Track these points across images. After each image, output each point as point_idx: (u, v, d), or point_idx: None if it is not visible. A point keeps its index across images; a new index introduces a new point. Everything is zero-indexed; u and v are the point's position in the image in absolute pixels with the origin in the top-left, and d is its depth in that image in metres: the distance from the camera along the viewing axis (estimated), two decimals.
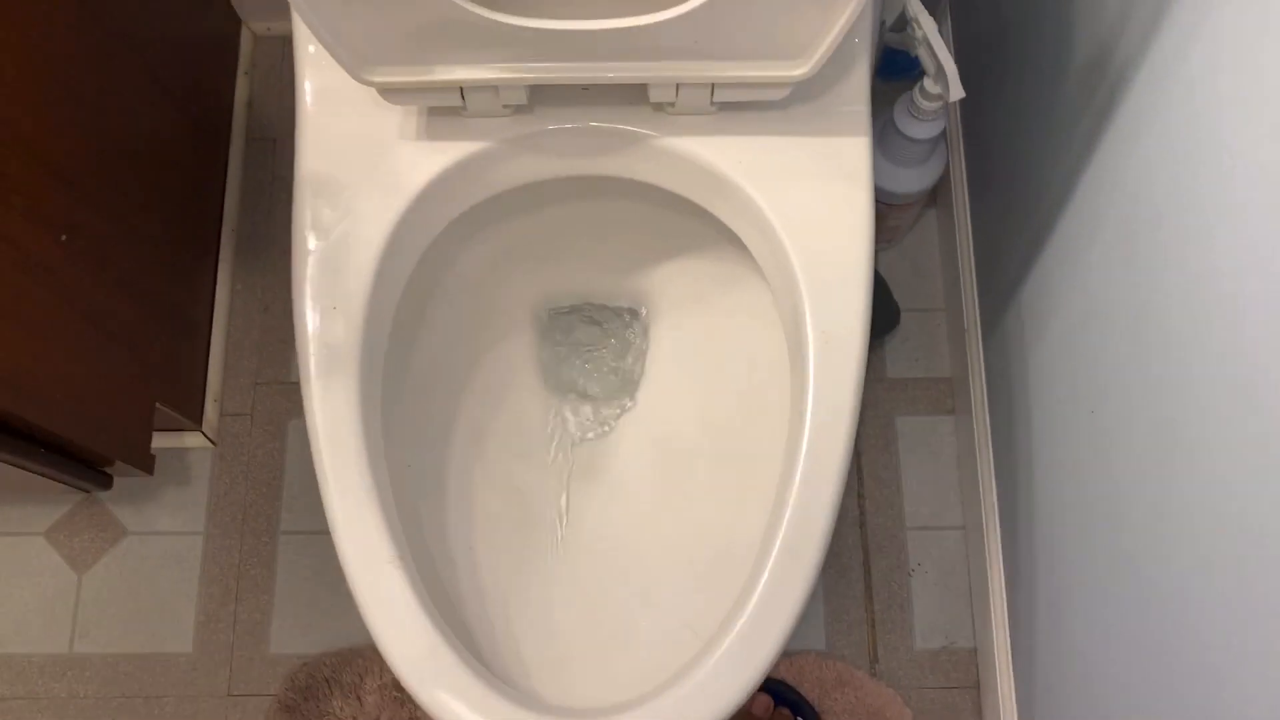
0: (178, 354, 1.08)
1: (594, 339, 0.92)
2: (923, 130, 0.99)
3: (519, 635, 0.80)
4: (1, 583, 1.11)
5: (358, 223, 0.74)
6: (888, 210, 1.10)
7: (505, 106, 0.74)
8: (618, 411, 0.91)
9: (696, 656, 0.67)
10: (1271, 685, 0.61)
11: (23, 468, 0.84)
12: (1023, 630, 1.00)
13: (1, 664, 1.09)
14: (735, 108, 0.76)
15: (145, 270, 1.00)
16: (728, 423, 0.88)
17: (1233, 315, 0.61)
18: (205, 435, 1.13)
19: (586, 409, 0.91)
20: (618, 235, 0.92)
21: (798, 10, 0.65)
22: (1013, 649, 1.02)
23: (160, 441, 1.10)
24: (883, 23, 0.97)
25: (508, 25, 0.65)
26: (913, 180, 1.05)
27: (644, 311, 0.93)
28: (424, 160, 0.76)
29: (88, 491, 0.96)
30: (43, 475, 0.87)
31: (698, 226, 0.89)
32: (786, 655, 1.08)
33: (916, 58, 0.98)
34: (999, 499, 1.05)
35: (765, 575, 0.67)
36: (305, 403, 0.72)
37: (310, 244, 0.74)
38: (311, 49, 0.77)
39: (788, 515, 0.68)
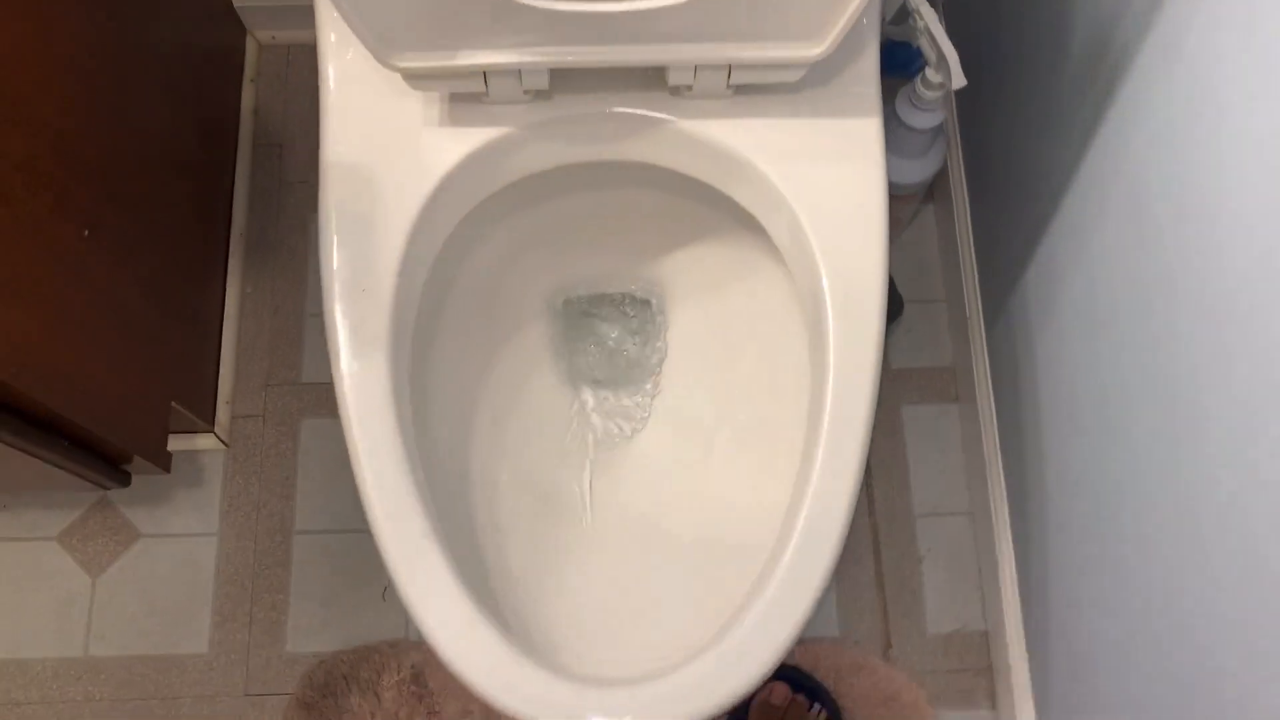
0: (191, 354, 1.09)
1: (610, 327, 0.94)
2: (924, 120, 1.01)
3: (546, 612, 0.81)
4: (15, 588, 1.11)
5: (384, 207, 0.76)
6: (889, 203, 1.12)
7: (526, 92, 0.76)
8: (641, 411, 0.92)
9: (726, 625, 0.68)
10: None
11: (46, 460, 0.85)
12: (1035, 611, 1.01)
13: (16, 669, 1.08)
14: (750, 91, 0.78)
15: (161, 270, 1.01)
16: (746, 404, 0.89)
17: (1243, 288, 0.63)
18: (218, 437, 1.13)
19: (607, 402, 0.92)
20: (632, 224, 0.94)
21: None
22: (1025, 630, 1.03)
23: (173, 444, 1.10)
24: (882, 18, 0.99)
25: (532, 8, 0.67)
26: (914, 171, 1.07)
27: (660, 299, 0.95)
28: (448, 146, 0.77)
29: (106, 489, 0.96)
30: (64, 469, 0.88)
31: (711, 213, 0.91)
32: (801, 642, 1.08)
33: (914, 52, 1.01)
34: (1007, 482, 1.06)
35: (794, 538, 0.68)
36: (336, 383, 0.73)
37: (337, 228, 0.75)
38: (333, 38, 0.79)
39: (813, 481, 0.69)
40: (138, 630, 1.10)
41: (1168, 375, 0.73)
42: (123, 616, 1.10)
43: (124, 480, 0.98)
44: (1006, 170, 1.03)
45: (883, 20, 0.99)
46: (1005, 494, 1.06)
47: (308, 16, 1.23)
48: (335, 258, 0.75)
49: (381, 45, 0.71)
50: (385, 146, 0.77)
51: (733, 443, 0.89)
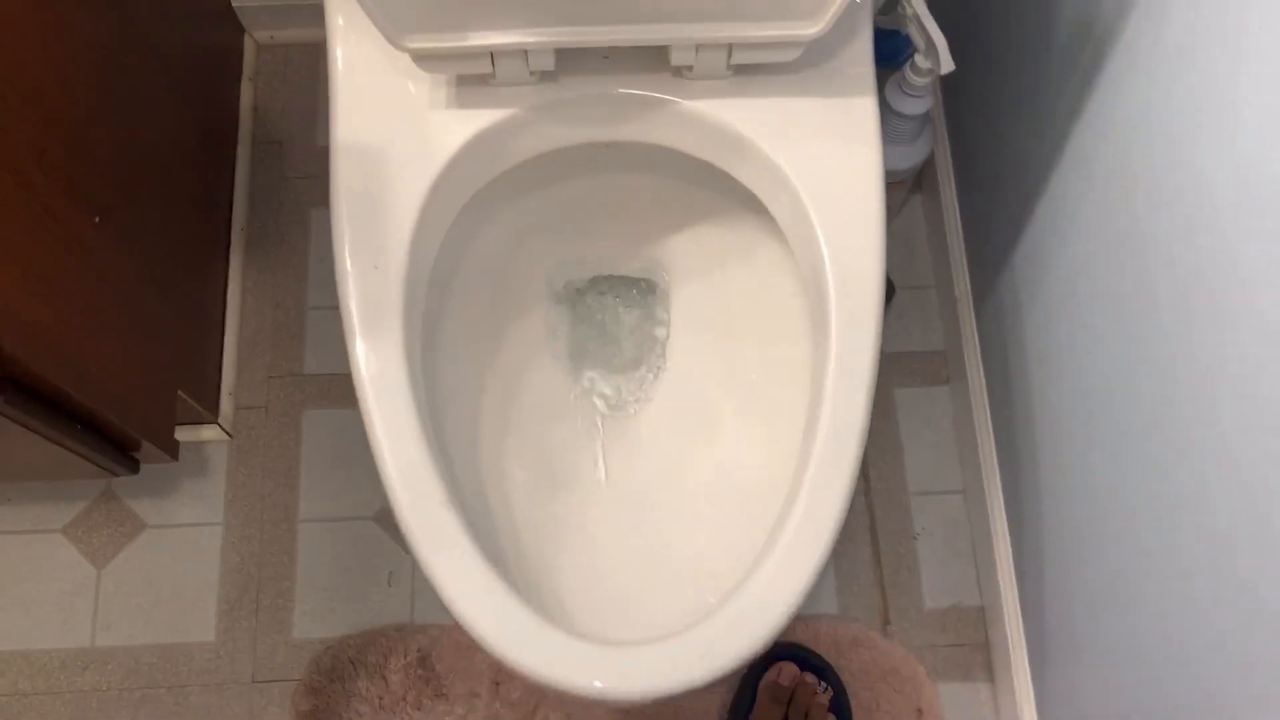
0: (195, 345, 1.10)
1: (615, 308, 0.96)
2: (914, 106, 1.04)
3: (557, 583, 0.82)
4: (20, 580, 1.11)
5: (394, 187, 0.77)
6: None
7: (533, 73, 0.78)
8: (647, 388, 0.94)
9: (738, 584, 0.70)
10: (1276, 615, 0.64)
11: (60, 443, 0.86)
12: (1030, 584, 1.03)
13: (22, 660, 1.09)
14: (749, 72, 0.80)
15: (167, 261, 1.02)
16: (750, 377, 0.91)
17: (1227, 261, 0.65)
18: (221, 428, 1.15)
19: (613, 381, 0.94)
20: (635, 208, 0.96)
21: None
22: (1021, 603, 1.05)
23: (178, 435, 1.11)
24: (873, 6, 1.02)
25: None
26: (904, 157, 1.10)
27: (663, 280, 0.97)
28: (455, 126, 0.79)
29: (116, 475, 0.97)
30: (77, 454, 0.89)
31: (711, 196, 0.94)
32: (801, 618, 1.11)
33: (902, 42, 1.04)
34: (999, 459, 1.09)
35: (802, 499, 0.70)
36: (351, 358, 0.74)
37: (348, 208, 0.77)
38: (341, 21, 0.81)
39: (819, 442, 0.71)
40: (144, 620, 1.10)
41: (1154, 349, 0.75)
42: (129, 607, 1.11)
43: (133, 467, 0.99)
44: (992, 154, 1.06)
45: (873, 9, 1.02)
46: (998, 471, 1.09)
47: (305, 16, 1.28)
48: (347, 235, 0.77)
49: (392, 26, 0.73)
50: (394, 128, 0.79)
51: (737, 415, 0.91)
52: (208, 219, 1.16)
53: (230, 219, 1.22)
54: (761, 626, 0.69)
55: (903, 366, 1.21)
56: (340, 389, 1.19)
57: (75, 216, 0.84)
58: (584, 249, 0.97)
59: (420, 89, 0.80)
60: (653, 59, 0.80)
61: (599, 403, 0.93)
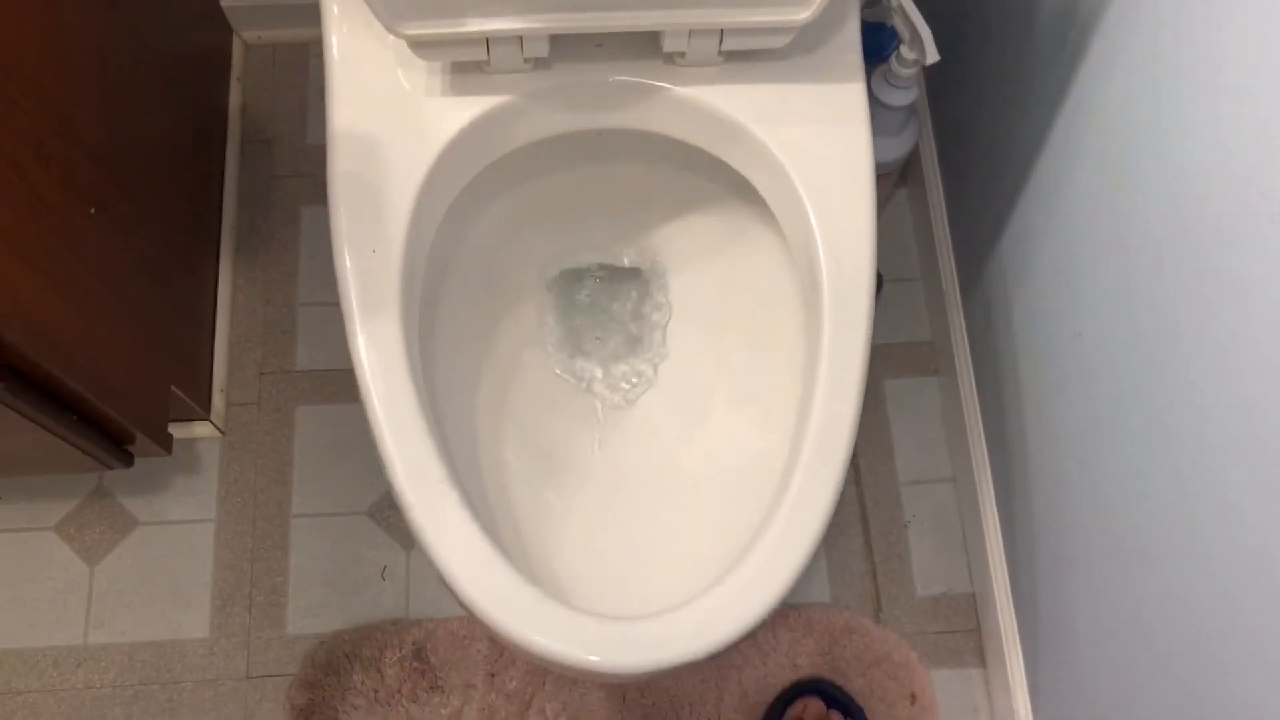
0: (188, 340, 1.11)
1: (608, 298, 0.97)
2: (899, 98, 1.06)
3: (553, 566, 0.83)
4: (13, 578, 1.11)
5: (391, 172, 0.78)
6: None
7: (527, 60, 0.79)
8: (642, 374, 0.95)
9: (740, 555, 0.70)
10: (1258, 596, 0.66)
11: (57, 434, 0.86)
12: (1021, 571, 1.04)
13: (15, 658, 1.08)
14: (740, 59, 0.81)
15: (159, 256, 1.02)
16: (743, 362, 0.92)
17: (1213, 220, 0.66)
18: (213, 424, 1.15)
19: (607, 368, 0.95)
20: (628, 196, 0.97)
21: None
22: (1012, 590, 1.06)
23: (169, 431, 1.11)
24: None
25: None
26: (890, 148, 1.12)
27: (657, 267, 0.98)
28: (451, 114, 0.80)
29: (110, 468, 0.97)
30: (73, 445, 0.89)
31: (703, 183, 0.95)
32: (795, 607, 1.12)
33: (887, 36, 1.05)
34: (988, 447, 1.10)
35: (800, 466, 0.71)
36: (350, 340, 0.75)
37: (345, 193, 0.78)
38: (336, 10, 0.81)
39: (814, 417, 0.72)
40: (137, 617, 1.10)
41: (1140, 334, 0.77)
42: (122, 603, 1.11)
43: (128, 460, 0.99)
44: (977, 143, 1.08)
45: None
46: (987, 459, 1.10)
47: (293, 16, 1.29)
48: (344, 220, 0.77)
49: (389, 13, 0.74)
50: (390, 115, 0.80)
51: (731, 400, 0.92)
52: (198, 216, 1.17)
53: (220, 216, 1.22)
54: (756, 604, 0.70)
55: (891, 358, 1.23)
56: (333, 385, 1.19)
57: (71, 207, 0.84)
58: (577, 237, 0.98)
59: (416, 77, 0.81)
60: (645, 46, 0.81)
61: (593, 390, 0.94)
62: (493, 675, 1.07)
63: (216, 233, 1.21)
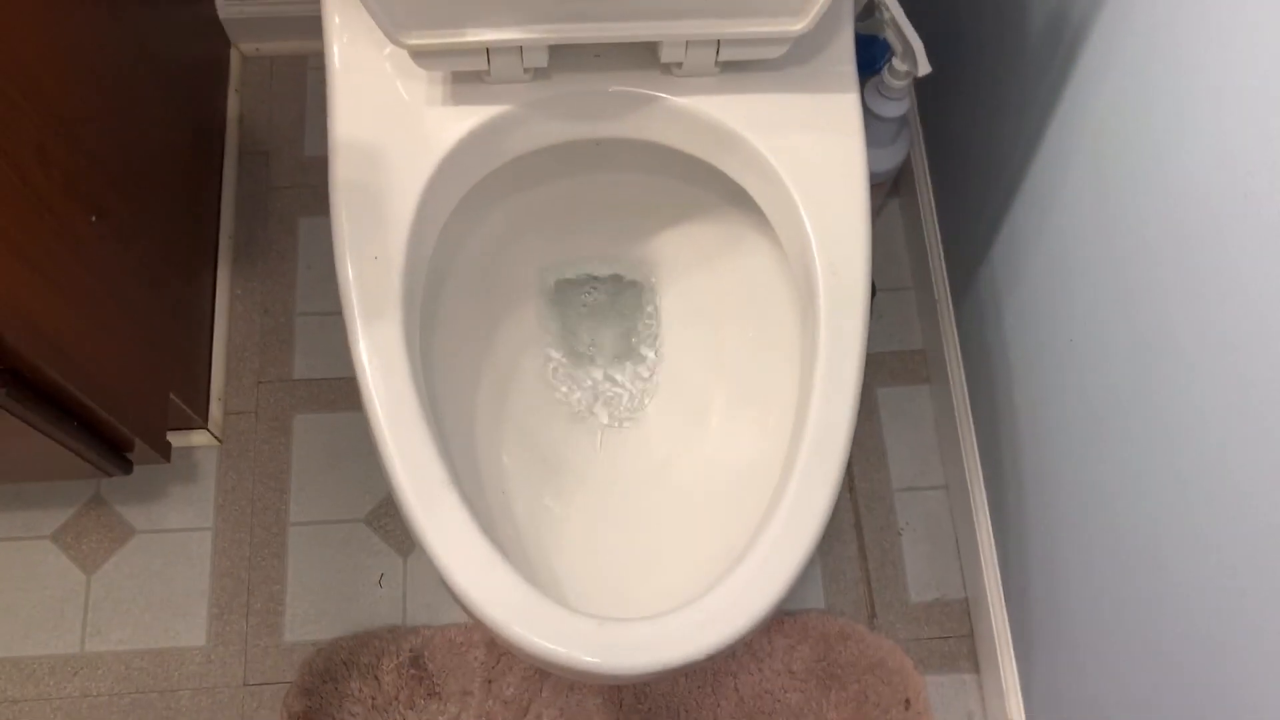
0: (186, 349, 1.11)
1: (605, 305, 0.98)
2: (892, 109, 1.07)
3: (552, 570, 0.84)
4: (9, 586, 1.11)
5: (392, 179, 0.79)
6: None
7: (527, 70, 0.80)
8: (639, 380, 0.96)
9: (739, 556, 0.71)
10: (1255, 599, 0.67)
11: (57, 439, 0.86)
12: (1014, 576, 1.05)
13: (12, 667, 1.08)
14: (736, 69, 0.83)
15: (159, 264, 1.03)
16: (739, 368, 0.93)
17: (1204, 226, 0.67)
18: (211, 433, 1.15)
19: (605, 374, 0.96)
20: (625, 205, 0.98)
21: None
22: (1005, 595, 1.07)
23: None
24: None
25: None
26: (883, 159, 1.13)
27: (654, 275, 0.99)
28: (451, 123, 0.81)
29: (109, 475, 0.97)
30: (73, 451, 0.89)
31: (700, 192, 0.96)
32: (790, 613, 1.12)
33: (879, 49, 1.07)
34: (981, 454, 1.11)
35: (798, 468, 0.72)
36: (351, 344, 0.75)
37: (347, 201, 0.79)
38: (338, 20, 0.82)
39: (811, 420, 0.73)
40: (134, 625, 1.10)
41: (1132, 340, 0.78)
42: (118, 612, 1.11)
43: (126, 468, 0.99)
44: (968, 155, 1.09)
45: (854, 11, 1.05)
46: (980, 466, 1.11)
47: (290, 28, 1.30)
48: (346, 227, 0.78)
49: (392, 23, 0.75)
50: (391, 124, 0.81)
51: (728, 405, 0.93)
52: (197, 225, 1.18)
53: (218, 226, 1.23)
54: (753, 606, 0.70)
55: (884, 366, 1.24)
56: (330, 394, 1.19)
57: (73, 213, 0.85)
58: (575, 245, 0.99)
59: (417, 86, 0.82)
60: (643, 57, 0.82)
61: (592, 394, 0.95)
62: (490, 682, 1.07)
63: (214, 242, 1.22)
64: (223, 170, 1.26)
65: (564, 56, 0.81)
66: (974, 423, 1.12)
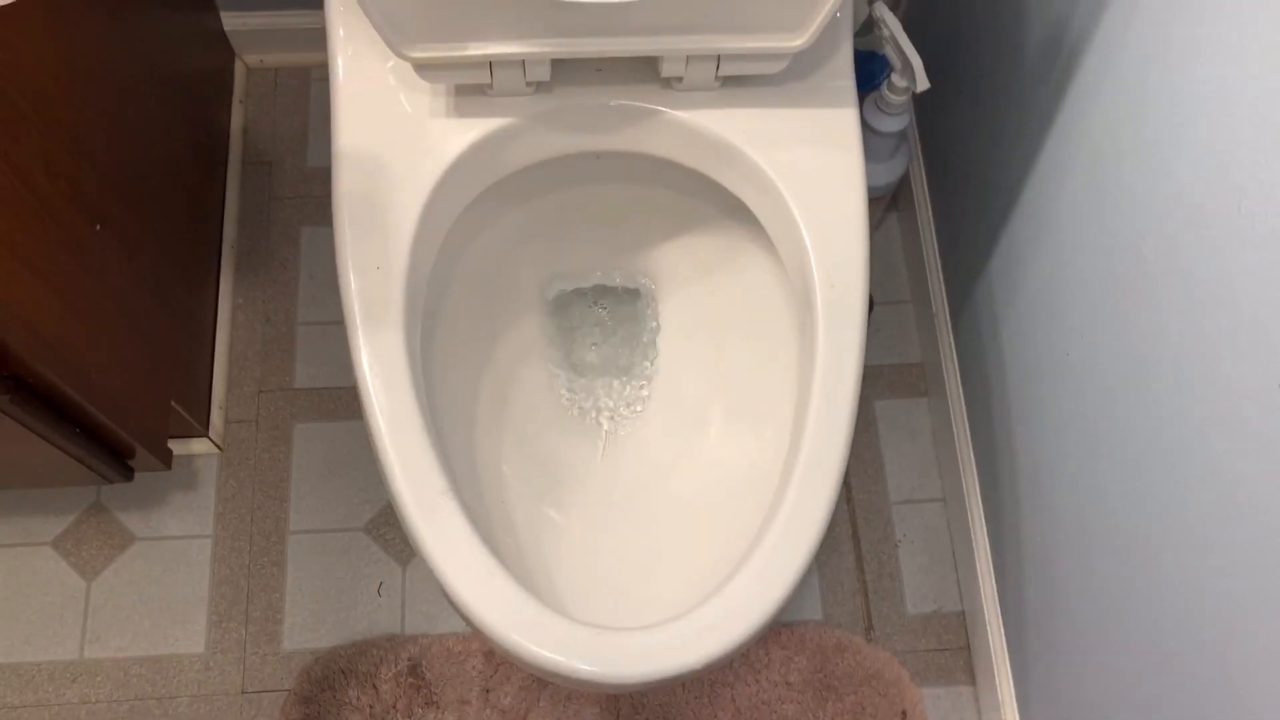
0: (188, 357, 1.12)
1: (606, 316, 0.98)
2: (890, 124, 1.08)
3: (551, 580, 0.84)
4: (9, 593, 1.11)
5: (395, 190, 0.80)
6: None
7: (529, 84, 0.81)
8: (638, 391, 0.97)
9: (734, 568, 0.72)
10: (1255, 612, 0.67)
11: (59, 446, 0.87)
12: (1010, 589, 1.06)
13: (11, 672, 1.09)
14: (736, 84, 0.84)
15: (162, 273, 1.04)
16: (737, 379, 0.94)
17: (1199, 241, 0.68)
18: (212, 441, 1.16)
19: (605, 385, 0.96)
20: (625, 217, 0.99)
21: None
22: (1001, 608, 1.08)
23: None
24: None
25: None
26: (881, 174, 1.14)
27: (652, 287, 1.00)
28: (454, 135, 0.82)
29: (110, 481, 0.98)
30: (74, 457, 0.90)
31: (699, 205, 0.97)
32: (787, 625, 1.13)
33: (878, 65, 1.08)
34: (978, 467, 1.12)
35: (794, 481, 0.72)
36: (353, 353, 0.76)
37: (350, 211, 0.79)
38: (342, 32, 0.83)
39: (809, 431, 0.74)
40: (133, 632, 1.11)
41: (1129, 354, 0.78)
42: (118, 618, 1.11)
43: (127, 474, 1.00)
44: (967, 170, 1.10)
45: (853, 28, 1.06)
46: (977, 479, 1.12)
47: (295, 40, 1.31)
48: (349, 237, 0.79)
49: (396, 36, 0.76)
50: (394, 135, 0.82)
51: (727, 416, 0.93)
52: (200, 235, 1.18)
53: (221, 235, 1.24)
54: (751, 616, 0.71)
55: (882, 379, 1.25)
56: (331, 403, 1.20)
57: (77, 222, 0.86)
58: (576, 257, 1.00)
59: (420, 98, 0.83)
60: (644, 71, 0.83)
61: (591, 404, 0.96)
62: (487, 691, 1.08)
63: (217, 251, 1.23)
64: (226, 180, 1.27)
65: (566, 70, 0.82)
66: (971, 436, 1.13)
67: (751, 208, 0.86)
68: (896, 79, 1.03)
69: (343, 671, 1.08)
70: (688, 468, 0.92)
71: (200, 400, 1.15)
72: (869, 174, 1.12)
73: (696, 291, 0.99)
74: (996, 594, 1.08)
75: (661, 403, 0.96)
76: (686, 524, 0.88)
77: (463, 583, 0.70)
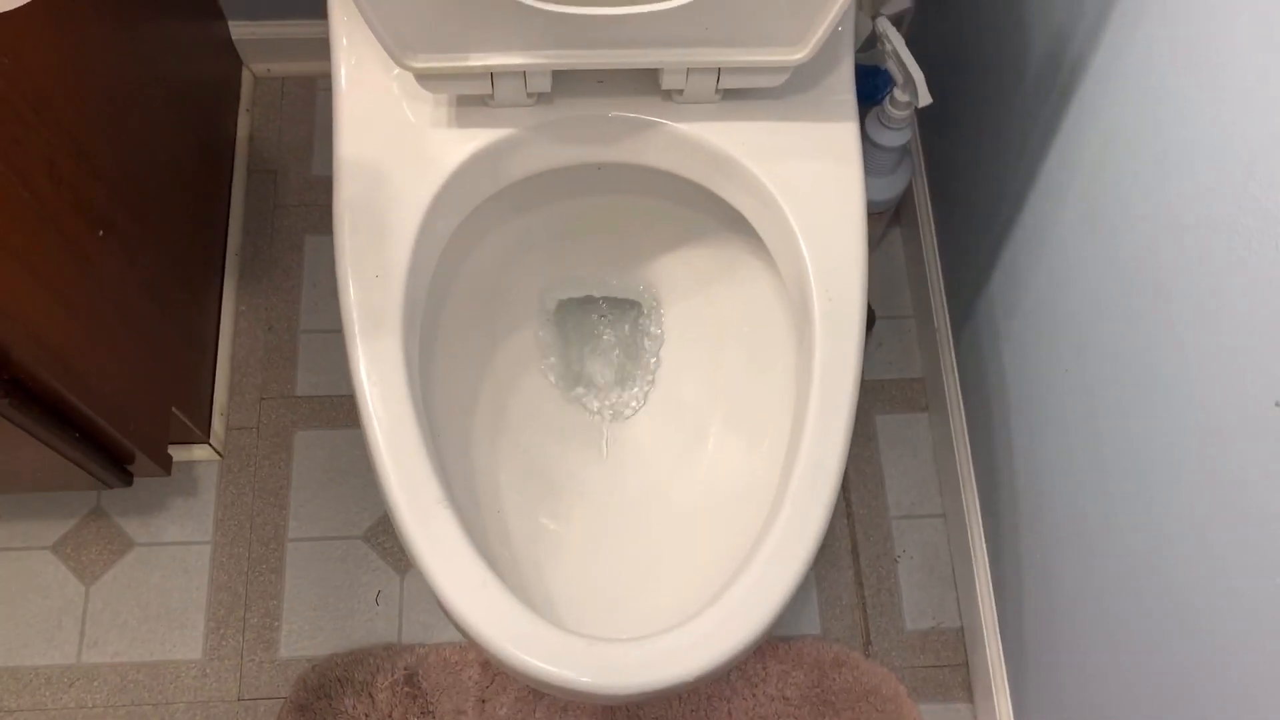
0: (189, 363, 1.12)
1: (604, 327, 0.99)
2: (893, 139, 1.08)
3: (548, 589, 0.84)
4: (8, 596, 1.12)
5: (396, 199, 0.80)
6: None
7: (530, 95, 0.81)
8: (637, 402, 0.97)
9: (730, 579, 0.72)
10: (1256, 633, 0.66)
11: (59, 450, 0.87)
12: (1009, 606, 1.05)
13: (8, 676, 1.09)
14: (736, 96, 0.84)
15: (164, 279, 1.04)
16: (735, 391, 0.94)
17: (1198, 257, 0.68)
18: (213, 447, 1.16)
19: (603, 396, 0.97)
20: (625, 228, 0.99)
21: None
22: (1000, 625, 1.07)
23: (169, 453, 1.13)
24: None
25: (539, 10, 0.73)
26: (884, 188, 1.14)
27: (652, 298, 1.00)
28: (455, 145, 0.82)
29: (109, 487, 0.98)
30: (74, 462, 0.90)
31: (698, 217, 0.97)
32: (785, 639, 1.12)
33: (880, 80, 1.08)
34: (978, 484, 1.11)
35: (790, 494, 0.72)
36: (351, 361, 0.76)
37: (351, 220, 0.80)
38: (345, 42, 0.84)
39: (805, 444, 0.74)
40: (131, 637, 1.11)
41: (1130, 371, 0.78)
42: (116, 623, 1.11)
43: (127, 480, 1.00)
44: (969, 185, 1.10)
45: (854, 42, 1.07)
46: (977, 495, 1.11)
47: (302, 50, 1.32)
48: (349, 245, 0.79)
49: (398, 47, 0.76)
50: (396, 145, 0.82)
51: (724, 428, 0.93)
52: (204, 242, 1.19)
53: (225, 243, 1.25)
54: (746, 627, 0.71)
55: (883, 394, 1.24)
56: (332, 411, 1.20)
57: (81, 228, 0.86)
58: (575, 268, 1.00)
59: (422, 108, 0.83)
60: (644, 83, 0.83)
61: (589, 415, 0.96)
62: (483, 701, 1.07)
63: (220, 259, 1.23)
64: (231, 187, 1.28)
65: (567, 81, 0.83)
66: (972, 451, 1.13)
67: (750, 220, 0.86)
68: (899, 94, 1.03)
69: (339, 680, 1.08)
70: (685, 478, 0.92)
71: (201, 406, 1.15)
72: (871, 189, 1.13)
73: (696, 302, 0.99)
74: (995, 611, 1.08)
75: (660, 412, 0.96)
76: (683, 535, 0.88)
77: (457, 593, 0.70)
